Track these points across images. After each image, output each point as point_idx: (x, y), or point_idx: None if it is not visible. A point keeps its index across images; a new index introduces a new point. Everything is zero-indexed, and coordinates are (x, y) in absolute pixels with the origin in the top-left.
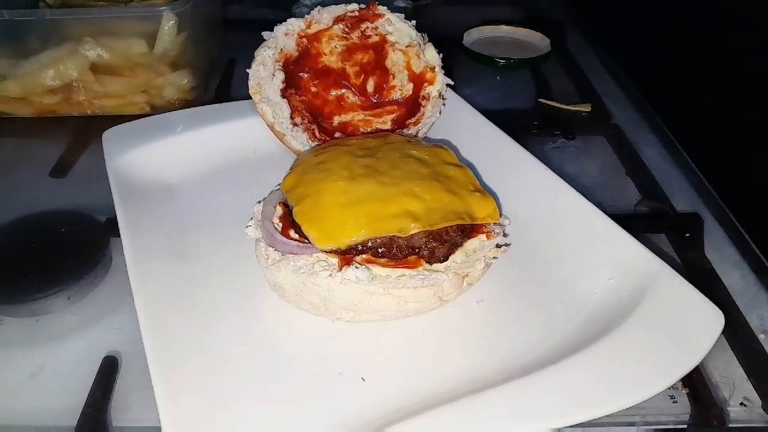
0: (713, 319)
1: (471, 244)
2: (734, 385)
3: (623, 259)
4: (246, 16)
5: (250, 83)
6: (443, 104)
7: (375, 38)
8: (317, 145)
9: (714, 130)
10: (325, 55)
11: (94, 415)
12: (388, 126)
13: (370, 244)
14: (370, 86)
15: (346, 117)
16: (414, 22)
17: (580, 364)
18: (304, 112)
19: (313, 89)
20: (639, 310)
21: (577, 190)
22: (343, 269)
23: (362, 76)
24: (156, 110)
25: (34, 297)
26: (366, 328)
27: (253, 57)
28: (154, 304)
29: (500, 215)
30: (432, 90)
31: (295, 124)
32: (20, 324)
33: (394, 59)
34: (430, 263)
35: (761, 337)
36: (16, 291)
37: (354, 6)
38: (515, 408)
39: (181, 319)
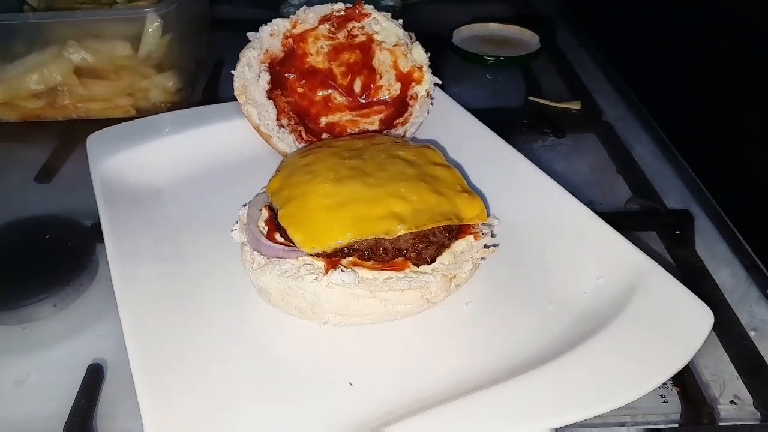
0: (703, 317)
1: (458, 245)
2: (724, 383)
3: (612, 257)
4: (234, 15)
5: (236, 85)
6: (431, 104)
7: (362, 38)
8: (304, 146)
9: (705, 127)
10: (312, 55)
11: (80, 423)
12: (375, 126)
13: (356, 246)
14: (357, 86)
15: (333, 118)
16: (401, 21)
17: (569, 364)
18: (290, 113)
19: (300, 90)
20: (628, 309)
21: (567, 188)
22: (329, 272)
23: (349, 77)
24: (142, 113)
25: (20, 304)
26: (353, 331)
27: (239, 58)
28: (139, 309)
29: (488, 215)
30: (420, 89)
31: (281, 126)
32: (7, 332)
33: (381, 59)
34: (417, 265)
35: (752, 334)
36: (2, 298)
37: (340, 5)
38: (505, 409)
39: (166, 325)
